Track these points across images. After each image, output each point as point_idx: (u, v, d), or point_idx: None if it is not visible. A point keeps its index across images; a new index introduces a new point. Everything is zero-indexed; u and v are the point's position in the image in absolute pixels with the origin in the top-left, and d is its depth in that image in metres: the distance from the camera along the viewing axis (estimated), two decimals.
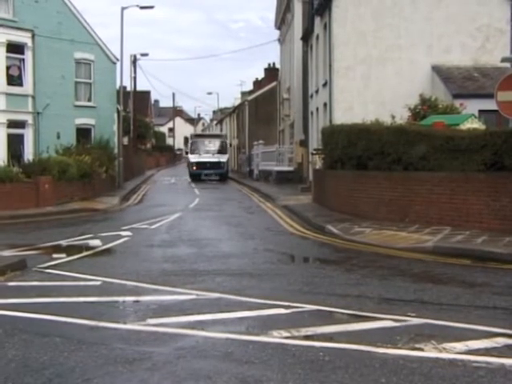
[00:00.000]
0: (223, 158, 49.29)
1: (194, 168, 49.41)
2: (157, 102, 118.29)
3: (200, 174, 49.41)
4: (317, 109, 33.42)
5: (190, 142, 53.15)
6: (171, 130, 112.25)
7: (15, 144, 30.89)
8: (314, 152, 28.86)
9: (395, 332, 7.48)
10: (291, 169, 41.83)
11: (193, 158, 49.77)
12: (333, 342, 7.10)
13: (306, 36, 37.63)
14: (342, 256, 13.89)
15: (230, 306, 8.93)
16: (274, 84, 60.15)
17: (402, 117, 21.48)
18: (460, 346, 6.91)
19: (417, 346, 6.94)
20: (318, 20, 32.36)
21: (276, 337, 7.33)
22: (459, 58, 27.30)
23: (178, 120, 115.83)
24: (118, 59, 38.34)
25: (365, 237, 15.90)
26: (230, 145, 59.89)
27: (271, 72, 65.38)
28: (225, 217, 22.78)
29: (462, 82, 26.14)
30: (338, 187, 21.70)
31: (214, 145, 50.80)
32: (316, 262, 13.95)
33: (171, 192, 38.63)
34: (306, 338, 7.32)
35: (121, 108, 40.63)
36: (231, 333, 7.53)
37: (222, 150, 50.13)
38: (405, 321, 7.98)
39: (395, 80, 27.32)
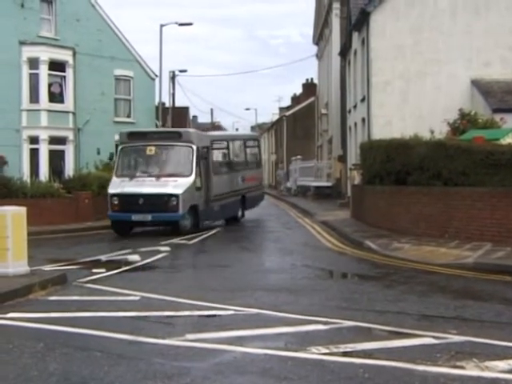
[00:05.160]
0: (177, 188, 21.73)
1: (116, 208, 22.19)
2: (195, 117, 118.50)
3: (126, 220, 22.09)
4: (355, 124, 33.32)
5: (119, 149, 24.65)
6: None
7: (56, 160, 31.31)
8: (353, 167, 28.76)
9: (435, 349, 7.38)
10: (329, 184, 41.71)
11: (113, 187, 22.71)
12: (372, 359, 7.03)
13: (344, 51, 37.60)
14: (381, 272, 13.77)
15: (269, 322, 8.91)
16: (312, 99, 60.18)
17: (441, 132, 21.28)
18: (503, 364, 6.79)
19: (458, 363, 6.83)
20: (355, 35, 32.33)
21: (315, 353, 7.28)
22: (499, 72, 26.99)
23: None
24: (156, 75, 38.70)
25: (404, 253, 15.76)
26: (218, 155, 26.79)
27: (309, 87, 65.48)
28: (263, 232, 22.79)
29: (502, 96, 25.84)
30: (376, 202, 21.56)
31: (165, 157, 23.67)
32: (354, 277, 13.86)
33: None
34: (345, 354, 7.26)
35: (160, 124, 40.96)
36: (269, 349, 7.50)
37: (181, 169, 22.67)
38: (445, 338, 7.87)
39: (434, 94, 27.12)
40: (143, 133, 25.00)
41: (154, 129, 28.19)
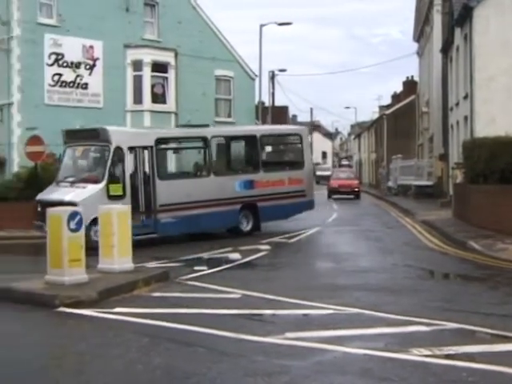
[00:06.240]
0: (77, 196, 18.46)
1: (37, 216, 19.31)
2: (295, 116, 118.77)
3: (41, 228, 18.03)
4: (457, 122, 32.60)
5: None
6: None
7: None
8: (455, 166, 28.17)
9: None
10: (430, 183, 40.99)
11: (41, 193, 20.21)
12: (476, 363, 6.89)
13: (446, 48, 36.83)
14: (485, 273, 13.46)
15: (369, 322, 8.88)
16: (412, 97, 59.27)
17: None
18: None
19: None
20: (458, 31, 31.62)
21: (416, 354, 7.20)
22: None
23: (316, 135, 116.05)
24: (256, 75, 39.00)
25: (509, 254, 15.33)
26: (182, 156, 24.74)
27: (410, 85, 64.48)
28: (363, 231, 22.62)
29: None
30: (480, 202, 21.05)
31: (85, 159, 21.39)
32: (457, 278, 13.60)
33: None
34: (448, 357, 7.14)
35: (259, 123, 41.24)
36: (370, 349, 7.47)
37: (93, 173, 19.90)
38: None
39: None
40: (74, 131, 21.62)
41: (83, 127, 23.05)
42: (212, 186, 20.92)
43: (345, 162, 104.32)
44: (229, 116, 36.54)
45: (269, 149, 24.63)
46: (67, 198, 18.31)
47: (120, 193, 18.71)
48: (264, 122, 45.87)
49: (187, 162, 22.90)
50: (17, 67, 28.25)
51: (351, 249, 18.14)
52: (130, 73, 31.50)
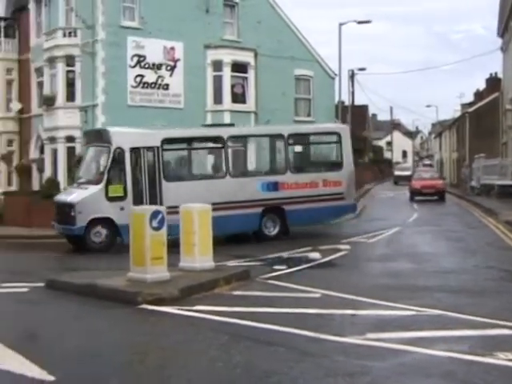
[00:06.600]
0: (77, 196, 18.97)
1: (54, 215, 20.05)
2: (374, 115, 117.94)
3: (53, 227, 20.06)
4: None
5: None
6: (389, 143, 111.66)
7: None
8: None
9: None
10: None
11: (58, 195, 21.25)
12: None
13: None
14: None
15: (451, 324, 8.74)
16: (496, 95, 57.93)
17: None
18: None
19: None
20: None
21: (502, 359, 7.04)
22: None
23: (396, 134, 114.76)
24: (336, 74, 38.81)
25: None
26: (192, 157, 22.00)
27: (493, 82, 63.02)
28: (444, 231, 22.25)
29: None
30: None
31: (91, 160, 20.73)
32: None
33: (389, 206, 38.20)
34: None
35: (339, 122, 41.01)
36: (453, 351, 7.35)
37: (95, 174, 19.82)
38: None
39: None
40: (88, 133, 21.92)
41: (96, 128, 22.85)
42: (228, 187, 19.91)
43: (427, 162, 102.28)
44: (308, 115, 36.52)
45: (299, 149, 23.11)
46: (69, 199, 18.99)
47: (120, 194, 18.58)
48: (344, 121, 45.62)
49: (200, 162, 22.06)
50: (101, 70, 29.00)
51: (432, 249, 17.88)
52: (210, 73, 31.87)
